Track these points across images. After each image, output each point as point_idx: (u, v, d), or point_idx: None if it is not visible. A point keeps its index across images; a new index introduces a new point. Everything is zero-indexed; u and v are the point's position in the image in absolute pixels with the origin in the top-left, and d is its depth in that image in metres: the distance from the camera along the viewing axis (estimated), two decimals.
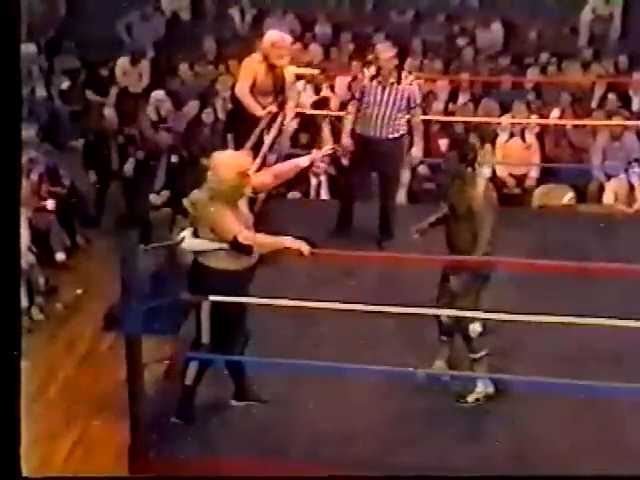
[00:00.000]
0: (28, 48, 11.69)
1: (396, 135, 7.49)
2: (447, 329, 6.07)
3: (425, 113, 10.23)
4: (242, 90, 7.41)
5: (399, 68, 7.46)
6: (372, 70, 7.48)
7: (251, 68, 7.44)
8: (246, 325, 5.73)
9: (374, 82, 7.45)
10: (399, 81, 7.41)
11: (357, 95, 7.59)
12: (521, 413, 5.81)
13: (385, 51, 7.42)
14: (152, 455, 5.50)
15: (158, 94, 11.17)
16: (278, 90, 7.46)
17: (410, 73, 7.55)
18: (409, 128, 7.53)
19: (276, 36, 7.49)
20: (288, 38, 7.53)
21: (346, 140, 7.60)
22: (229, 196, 5.43)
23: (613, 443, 5.60)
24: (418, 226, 6.13)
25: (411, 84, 7.43)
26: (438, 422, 5.80)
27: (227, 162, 5.47)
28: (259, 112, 7.33)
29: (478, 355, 5.91)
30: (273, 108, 7.40)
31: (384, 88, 7.42)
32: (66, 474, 6.06)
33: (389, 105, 7.43)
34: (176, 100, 11.24)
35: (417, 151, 7.59)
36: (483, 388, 5.91)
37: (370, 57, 7.74)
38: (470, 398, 5.91)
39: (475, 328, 5.86)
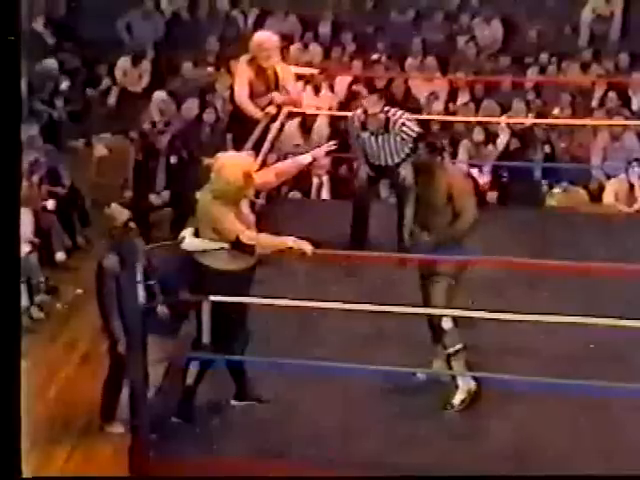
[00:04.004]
0: (51, 64, 11.78)
1: (403, 157, 7.55)
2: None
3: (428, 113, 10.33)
4: (241, 97, 7.42)
5: (387, 115, 7.42)
6: (361, 117, 7.48)
7: (244, 72, 7.43)
8: (247, 325, 5.73)
9: (366, 133, 7.49)
10: (387, 130, 7.43)
11: (356, 143, 7.65)
12: (520, 413, 5.83)
13: (373, 106, 7.41)
14: (152, 455, 5.50)
15: (160, 95, 11.16)
16: (272, 90, 7.45)
17: (400, 117, 7.45)
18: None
19: (263, 37, 7.47)
20: (275, 38, 7.48)
21: (362, 174, 7.72)
22: (233, 196, 5.43)
23: (613, 443, 5.60)
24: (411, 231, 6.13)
25: (401, 128, 7.40)
26: (438, 421, 5.81)
27: (232, 163, 5.46)
28: (258, 115, 7.33)
29: (452, 349, 5.87)
30: (272, 109, 7.39)
31: (376, 137, 7.48)
32: (66, 474, 6.05)
33: (386, 149, 7.50)
34: (176, 100, 11.25)
35: (407, 171, 7.45)
36: (465, 386, 5.88)
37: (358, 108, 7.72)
38: (456, 401, 5.89)
39: (447, 321, 5.84)
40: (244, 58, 7.51)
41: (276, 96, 7.43)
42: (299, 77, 9.89)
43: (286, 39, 11.64)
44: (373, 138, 7.51)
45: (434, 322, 5.93)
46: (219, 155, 5.59)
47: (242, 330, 5.70)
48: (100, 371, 6.65)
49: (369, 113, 7.45)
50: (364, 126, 7.52)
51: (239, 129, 7.48)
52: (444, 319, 5.83)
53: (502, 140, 10.16)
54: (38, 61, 11.62)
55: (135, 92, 11.90)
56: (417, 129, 7.51)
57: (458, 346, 5.87)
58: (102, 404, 6.49)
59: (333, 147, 6.32)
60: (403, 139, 7.47)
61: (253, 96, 7.42)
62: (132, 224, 6.30)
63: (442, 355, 6.04)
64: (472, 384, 5.89)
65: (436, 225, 5.87)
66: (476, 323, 5.88)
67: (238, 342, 5.69)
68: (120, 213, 6.32)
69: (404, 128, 7.44)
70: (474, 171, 9.87)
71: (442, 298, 5.83)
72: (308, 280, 6.95)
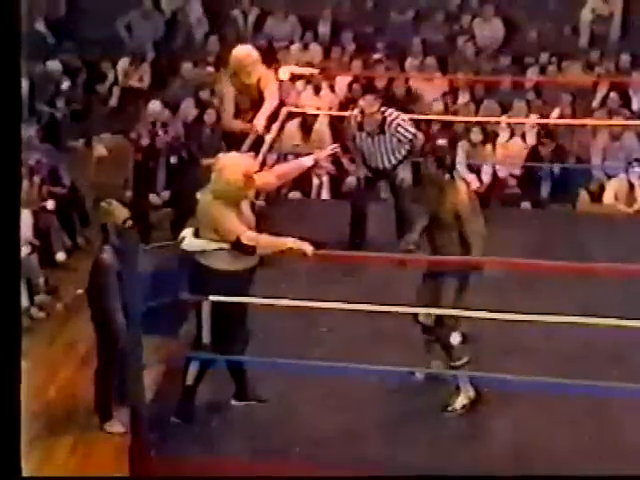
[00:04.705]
0: (54, 66, 11.78)
1: (400, 159, 7.64)
2: (429, 329, 6.05)
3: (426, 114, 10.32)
4: (227, 120, 7.32)
5: (383, 115, 7.46)
6: (358, 117, 7.52)
7: (229, 92, 7.32)
8: (246, 325, 5.73)
9: (363, 133, 7.52)
10: (383, 130, 7.46)
11: (353, 144, 7.68)
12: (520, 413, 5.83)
13: (370, 106, 7.43)
14: (152, 455, 5.50)
15: (155, 106, 11.08)
16: (258, 103, 7.29)
17: (396, 117, 7.50)
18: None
19: (242, 53, 7.29)
20: (255, 54, 7.30)
21: (359, 175, 7.77)
22: (233, 198, 5.43)
23: (613, 443, 5.60)
24: (409, 238, 6.09)
25: (397, 129, 7.45)
26: (439, 421, 5.81)
27: (233, 164, 5.47)
28: (248, 129, 7.22)
29: (459, 363, 5.87)
30: (260, 125, 7.26)
31: (372, 138, 7.51)
32: (66, 474, 6.05)
33: (383, 151, 7.53)
34: (174, 104, 11.23)
35: (405, 173, 7.66)
36: (466, 392, 5.88)
37: (355, 108, 7.75)
38: (458, 405, 5.89)
39: (455, 337, 5.84)
40: (226, 75, 7.41)
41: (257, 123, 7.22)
42: (299, 77, 9.91)
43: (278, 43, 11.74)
44: (369, 139, 7.51)
45: (442, 339, 5.90)
46: (220, 156, 5.60)
47: (242, 330, 5.71)
48: None
49: (366, 113, 7.45)
50: (361, 127, 7.52)
51: (232, 139, 7.44)
52: (453, 334, 5.82)
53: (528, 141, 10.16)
54: (39, 61, 11.63)
55: (135, 92, 11.89)
56: (413, 130, 7.53)
57: (464, 360, 5.87)
58: (96, 404, 6.49)
59: (336, 150, 6.33)
60: (399, 140, 7.48)
61: (240, 112, 7.31)
62: (130, 222, 6.29)
63: (441, 355, 6.05)
64: (472, 392, 5.89)
65: (440, 239, 5.85)
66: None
67: (238, 342, 5.70)
68: (120, 211, 6.31)
69: (400, 129, 7.45)
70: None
71: (449, 302, 5.82)
72: (307, 280, 6.95)
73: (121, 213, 6.29)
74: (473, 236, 5.76)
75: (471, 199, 5.88)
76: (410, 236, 6.09)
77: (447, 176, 5.83)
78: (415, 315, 5.97)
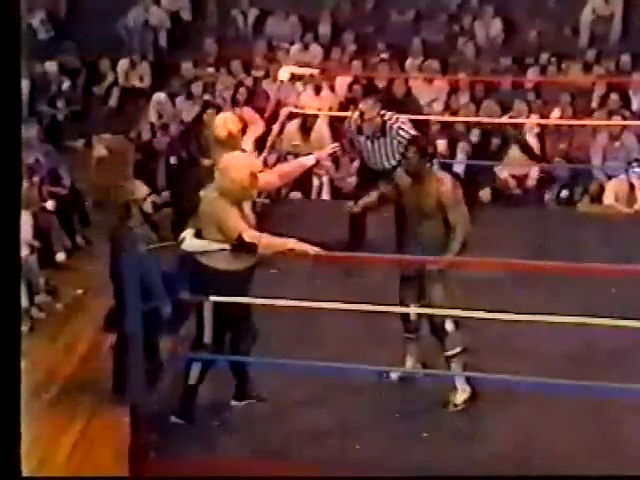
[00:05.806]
0: (51, 67, 11.79)
1: (399, 159, 7.59)
2: (413, 327, 6.08)
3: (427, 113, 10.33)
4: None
5: (383, 119, 7.44)
6: (357, 121, 7.51)
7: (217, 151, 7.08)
8: (252, 324, 5.73)
9: (362, 137, 7.50)
10: (384, 134, 7.44)
11: (354, 148, 7.68)
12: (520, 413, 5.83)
13: (370, 110, 7.42)
14: (152, 455, 5.50)
15: (159, 97, 11.12)
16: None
17: (396, 121, 7.48)
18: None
19: (223, 133, 6.43)
20: (235, 128, 6.54)
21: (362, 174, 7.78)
22: (237, 196, 5.43)
23: (613, 443, 5.60)
24: (351, 204, 6.38)
25: (398, 132, 7.42)
26: (440, 420, 5.82)
27: (238, 163, 5.47)
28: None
29: (452, 352, 5.87)
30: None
31: (372, 141, 7.49)
32: (66, 474, 6.05)
33: (382, 153, 7.50)
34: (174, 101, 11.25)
35: (402, 173, 7.66)
36: (462, 387, 5.89)
37: (355, 111, 7.73)
38: (458, 400, 5.89)
39: (449, 323, 5.84)
40: (212, 136, 6.75)
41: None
42: (299, 77, 9.92)
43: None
44: (369, 142, 7.49)
45: (436, 327, 5.90)
46: (224, 155, 5.60)
47: (247, 329, 5.71)
48: (100, 370, 6.68)
49: (366, 117, 7.44)
50: (360, 130, 7.51)
51: None
52: (447, 321, 5.83)
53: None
54: (39, 62, 11.64)
55: (136, 93, 11.91)
56: (413, 132, 7.52)
57: (458, 349, 5.87)
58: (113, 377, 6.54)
59: (336, 149, 6.34)
60: (400, 142, 7.47)
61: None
62: (151, 199, 6.38)
63: (416, 353, 6.09)
64: (467, 388, 5.89)
65: (425, 231, 5.87)
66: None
67: (243, 341, 5.70)
68: (141, 188, 6.43)
69: (401, 132, 7.44)
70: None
71: (441, 297, 5.84)
72: (306, 279, 6.96)
73: (142, 190, 6.40)
74: (456, 223, 5.80)
75: (454, 188, 5.91)
76: (350, 203, 6.40)
77: (428, 165, 5.86)
78: (403, 315, 6.00)
